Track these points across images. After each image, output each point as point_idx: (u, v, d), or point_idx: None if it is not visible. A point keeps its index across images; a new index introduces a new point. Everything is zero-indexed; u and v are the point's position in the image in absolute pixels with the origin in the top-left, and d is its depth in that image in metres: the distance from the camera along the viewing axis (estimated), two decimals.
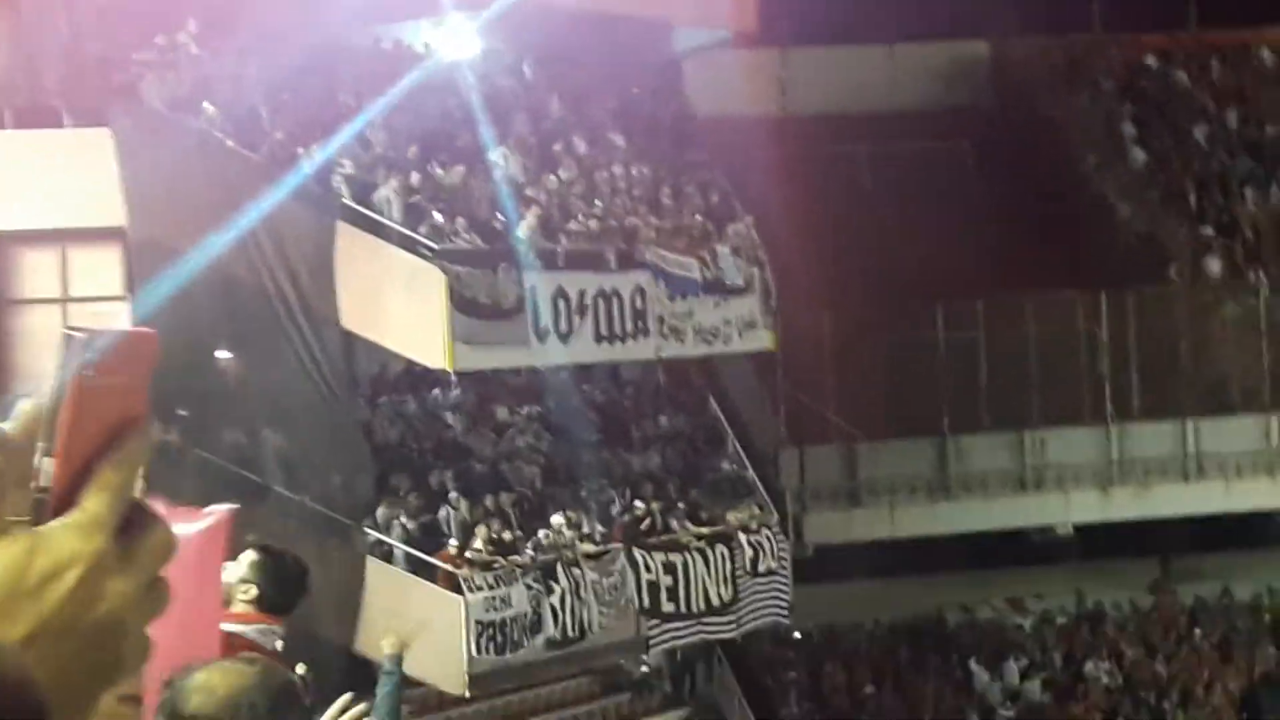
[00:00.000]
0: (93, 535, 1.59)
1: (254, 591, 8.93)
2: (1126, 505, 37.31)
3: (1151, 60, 45.31)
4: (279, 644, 9.00)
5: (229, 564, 9.25)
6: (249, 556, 9.17)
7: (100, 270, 23.81)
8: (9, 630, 1.58)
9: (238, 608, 8.83)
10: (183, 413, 24.27)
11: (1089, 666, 36.50)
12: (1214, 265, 40.53)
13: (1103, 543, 37.63)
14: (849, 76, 42.58)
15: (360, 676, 20.07)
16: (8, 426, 1.62)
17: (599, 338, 28.24)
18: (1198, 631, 37.38)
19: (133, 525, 1.63)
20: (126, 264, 23.70)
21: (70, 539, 1.58)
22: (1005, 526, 37.37)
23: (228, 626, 8.66)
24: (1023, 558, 37.93)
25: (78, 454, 1.61)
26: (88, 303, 23.73)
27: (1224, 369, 38.83)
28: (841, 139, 40.29)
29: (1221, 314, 39.58)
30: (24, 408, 1.59)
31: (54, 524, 1.60)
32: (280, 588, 9.14)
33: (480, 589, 25.65)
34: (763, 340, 31.23)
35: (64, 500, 1.61)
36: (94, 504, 1.60)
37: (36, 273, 23.80)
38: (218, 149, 25.19)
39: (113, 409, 1.63)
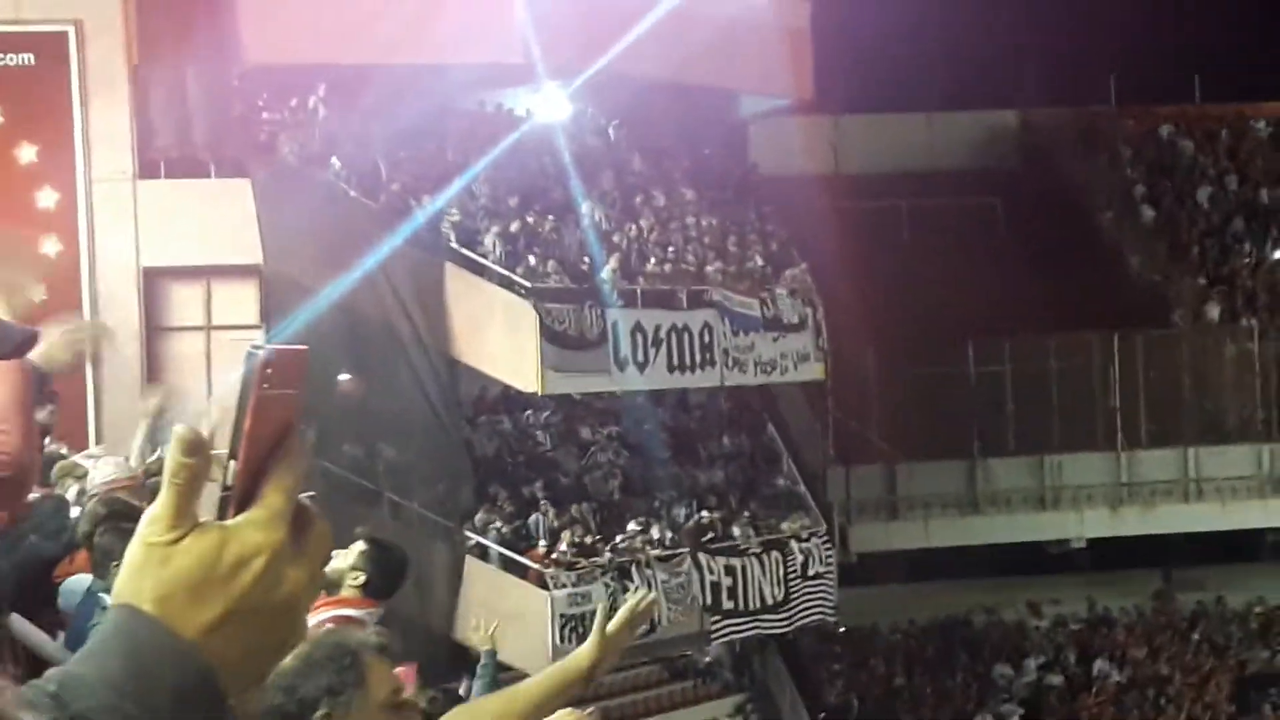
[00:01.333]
0: (274, 528, 1.64)
1: (361, 578, 8.89)
2: (1133, 522, 36.95)
3: (1162, 129, 44.98)
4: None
5: (339, 552, 9.41)
6: (359, 547, 9.11)
7: (240, 302, 23.82)
8: (205, 612, 1.62)
9: (346, 592, 8.82)
10: (306, 428, 24.39)
11: (1098, 665, 36.22)
12: (1213, 311, 40.26)
13: (1112, 555, 37.17)
14: (893, 140, 42.45)
15: (460, 660, 20.19)
16: (204, 432, 1.67)
17: (671, 367, 28.17)
18: (1195, 635, 36.98)
19: (299, 520, 1.69)
20: (262, 297, 23.69)
21: (257, 532, 1.63)
22: (1026, 539, 36.99)
23: (345, 611, 8.46)
24: (1041, 567, 37.56)
25: (255, 457, 1.67)
26: (227, 330, 23.73)
27: (1222, 403, 38.56)
28: (885, 196, 40.15)
29: (1220, 355, 39.30)
30: (214, 415, 1.77)
31: (241, 518, 1.65)
32: (384, 576, 9.03)
33: (564, 586, 25.66)
34: (814, 371, 31.15)
35: (244, 499, 1.67)
36: (274, 500, 1.65)
37: (184, 304, 23.78)
38: (342, 198, 25.26)
39: (279, 417, 1.68)
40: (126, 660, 1.60)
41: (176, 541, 1.63)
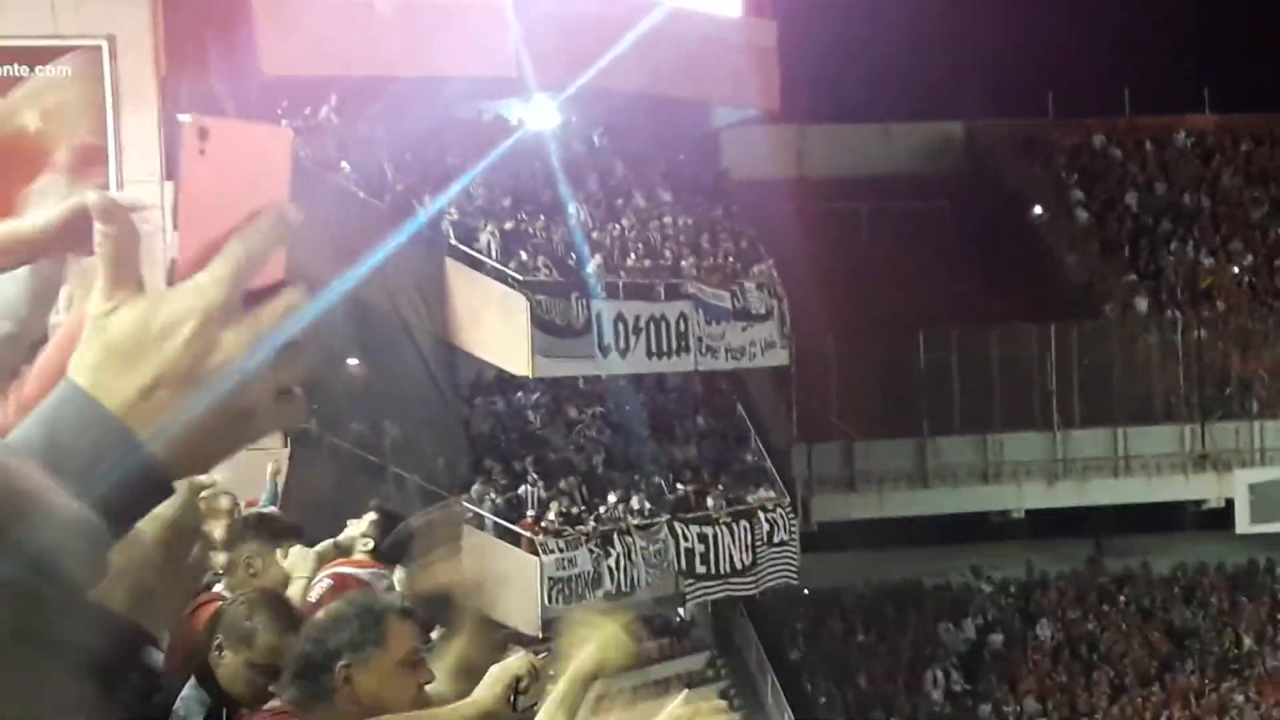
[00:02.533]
0: (208, 292, 1.54)
1: (371, 544, 9.04)
2: (1068, 495, 37.17)
3: (1094, 139, 45.14)
4: (386, 585, 8.89)
5: (352, 520, 9.40)
6: (370, 517, 9.28)
7: None
8: (134, 379, 1.55)
9: (358, 556, 8.91)
10: (316, 407, 24.34)
11: (1037, 624, 36.52)
12: (1141, 304, 40.51)
13: (1048, 524, 37.45)
14: (851, 148, 42.48)
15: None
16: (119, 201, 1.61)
17: (649, 353, 28.23)
18: (1123, 597, 37.42)
19: (264, 290, 1.59)
20: (299, 285, 23.65)
21: (189, 297, 1.53)
22: (970, 510, 37.20)
23: (349, 570, 8.66)
24: (983, 535, 37.75)
25: (209, 231, 1.56)
26: None
27: (1148, 387, 38.75)
28: (844, 199, 40.17)
29: (1146, 343, 39.50)
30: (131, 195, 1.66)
31: (177, 285, 1.56)
32: (392, 543, 9.01)
33: (552, 552, 25.66)
34: (780, 358, 31.17)
35: (192, 272, 1.57)
36: (215, 266, 1.55)
37: None
38: (351, 199, 25.22)
39: (245, 197, 1.57)
40: (46, 427, 1.55)
41: (112, 312, 1.55)
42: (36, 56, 22.17)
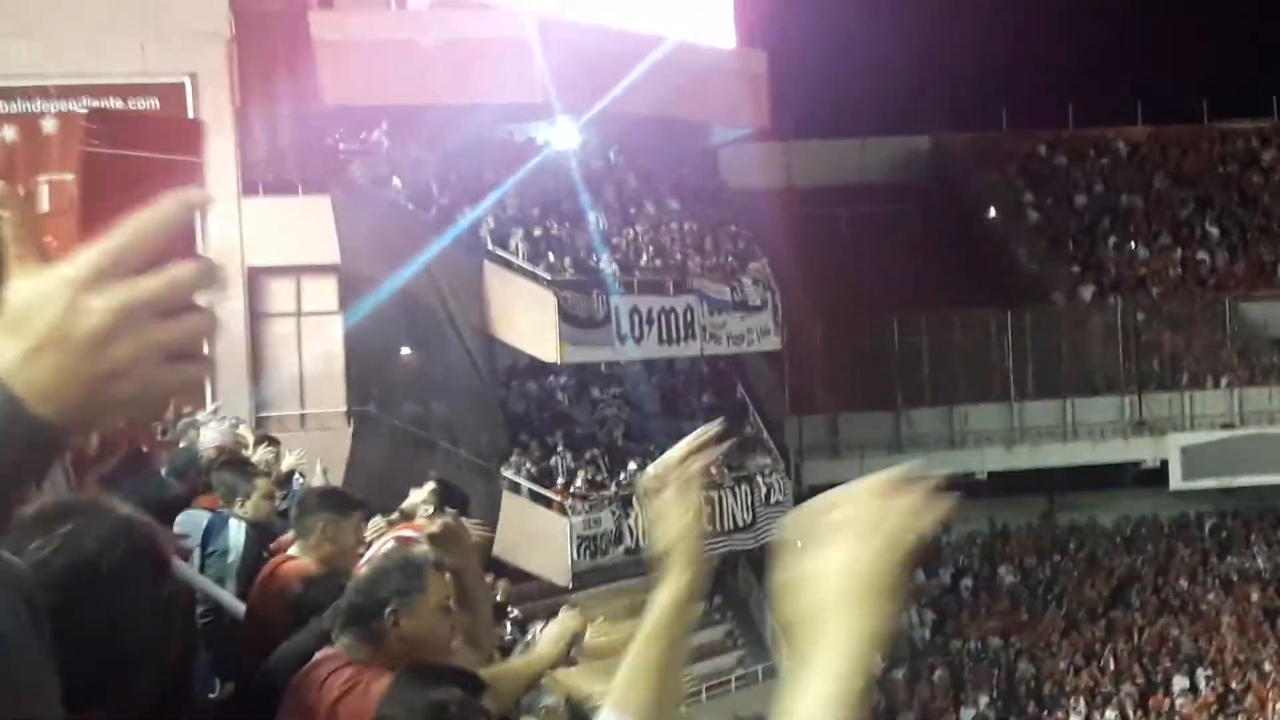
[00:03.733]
0: (77, 264, 1.50)
1: (431, 510, 8.51)
2: (1024, 457, 37.12)
3: (1041, 148, 45.16)
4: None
5: (414, 489, 9.55)
6: (429, 486, 8.96)
7: (322, 294, 23.83)
8: (19, 342, 1.51)
9: (419, 521, 8.29)
10: (374, 391, 24.49)
11: (999, 570, 36.59)
12: (1085, 292, 40.58)
13: (1007, 484, 37.13)
14: (833, 160, 42.45)
15: (492, 568, 20.31)
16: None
17: (661, 341, 28.36)
18: (1073, 546, 37.59)
19: (148, 260, 1.52)
20: (340, 289, 23.75)
21: (62, 270, 1.50)
22: (957, 472, 36.89)
23: (410, 534, 8.01)
24: (963, 490, 37.47)
25: (109, 219, 1.53)
26: (313, 316, 23.81)
27: (1091, 364, 38.75)
28: (827, 204, 40.08)
29: (1090, 325, 39.55)
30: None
31: (57, 265, 1.53)
32: (449, 508, 8.67)
33: (580, 514, 25.85)
34: (773, 343, 31.26)
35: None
36: (100, 243, 1.52)
37: (278, 295, 23.80)
38: (402, 210, 25.34)
39: (149, 184, 1.55)
40: None
41: (12, 286, 1.52)
42: (129, 91, 22.44)
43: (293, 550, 6.43)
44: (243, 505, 7.40)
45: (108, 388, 1.52)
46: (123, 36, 22.57)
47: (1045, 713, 31.87)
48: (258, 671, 5.32)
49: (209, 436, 10.11)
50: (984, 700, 31.95)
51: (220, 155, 23.11)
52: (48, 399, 1.50)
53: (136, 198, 1.51)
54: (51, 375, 1.50)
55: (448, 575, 4.77)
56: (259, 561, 6.74)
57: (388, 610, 4.39)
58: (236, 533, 7.01)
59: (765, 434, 32.01)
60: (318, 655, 4.52)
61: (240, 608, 6.55)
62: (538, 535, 25.26)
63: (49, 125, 22.17)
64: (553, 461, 26.98)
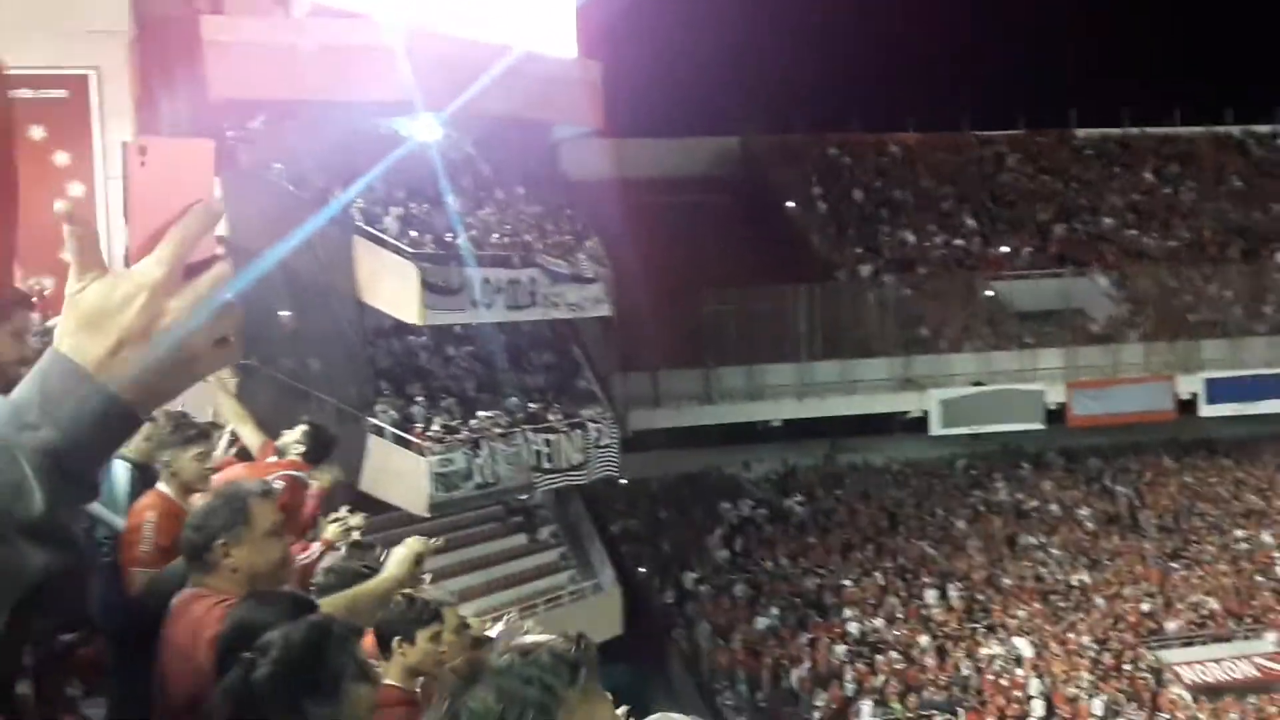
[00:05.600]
0: (154, 270, 1.54)
1: (302, 449, 8.87)
2: (812, 408, 37.62)
3: (831, 150, 45.92)
4: (312, 483, 8.99)
5: (286, 431, 9.24)
6: (301, 428, 9.10)
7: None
8: (101, 342, 1.55)
9: (290, 458, 8.76)
10: (257, 347, 23.90)
11: (789, 502, 37.11)
12: (865, 271, 41.35)
13: (798, 430, 38.05)
14: (659, 155, 42.80)
15: (358, 502, 19.98)
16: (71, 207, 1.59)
17: (508, 307, 28.08)
18: (849, 482, 38.34)
19: (199, 265, 1.59)
20: (227, 259, 23.02)
21: (138, 275, 1.55)
22: (741, 420, 37.58)
23: (295, 473, 8.51)
24: (752, 438, 38.08)
25: (152, 224, 1.57)
26: None
27: (868, 330, 39.44)
28: (652, 193, 40.07)
29: (867, 298, 40.29)
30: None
31: (132, 267, 1.57)
32: (318, 448, 9.07)
33: (435, 454, 25.52)
34: (605, 310, 31.18)
35: (141, 257, 1.57)
36: (157, 252, 1.55)
37: None
38: (283, 191, 24.80)
39: (179, 196, 1.57)
40: (38, 384, 1.55)
41: (82, 291, 1.57)
42: (40, 82, 21.46)
43: (159, 485, 6.23)
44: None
45: (179, 372, 1.60)
46: (34, 32, 21.58)
47: (826, 619, 32.34)
48: (133, 606, 5.22)
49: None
50: (775, 610, 32.40)
51: (121, 139, 22.34)
52: (132, 388, 1.57)
53: (170, 207, 1.58)
54: (136, 367, 1.56)
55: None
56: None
57: (217, 543, 4.30)
58: (120, 471, 6.62)
59: (597, 387, 32.08)
60: (183, 591, 4.38)
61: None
62: (399, 473, 25.00)
63: None
64: (413, 409, 26.68)
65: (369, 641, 4.97)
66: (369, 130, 27.59)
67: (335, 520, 7.77)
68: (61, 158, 22.35)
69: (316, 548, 7.47)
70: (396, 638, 5.14)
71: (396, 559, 5.00)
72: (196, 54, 23.59)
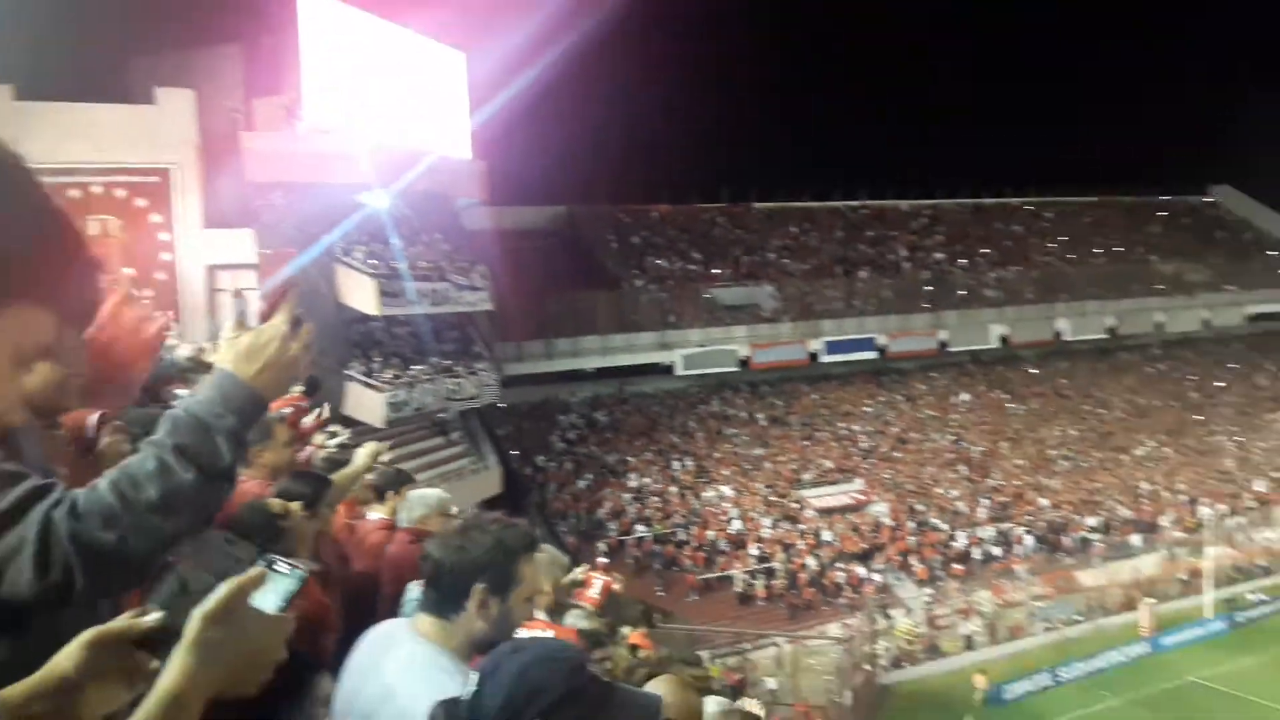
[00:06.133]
0: (280, 325, 1.47)
1: (301, 389, 5.50)
2: (610, 361, 37.28)
3: (620, 215, 45.25)
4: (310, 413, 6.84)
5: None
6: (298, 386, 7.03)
7: (249, 279, 22.28)
8: (255, 365, 1.45)
9: (293, 393, 5.41)
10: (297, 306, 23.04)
11: (598, 414, 36.92)
12: (639, 283, 40.76)
13: (604, 373, 37.60)
14: (520, 217, 41.27)
15: (344, 421, 19.92)
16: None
17: (432, 304, 27.78)
18: (631, 405, 37.78)
19: (295, 323, 1.51)
20: (259, 276, 21.85)
21: (272, 328, 1.49)
22: (567, 368, 37.02)
23: (291, 403, 5.84)
24: (577, 379, 37.50)
25: (268, 313, 1.50)
26: (248, 290, 22.09)
27: (641, 317, 38.75)
28: (516, 239, 39.26)
29: (643, 300, 39.75)
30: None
31: (267, 324, 1.50)
32: (311, 389, 6.83)
33: (388, 391, 25.27)
34: (489, 306, 30.90)
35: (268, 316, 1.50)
36: (278, 318, 1.49)
37: (222, 279, 21.84)
38: (293, 235, 24.08)
39: (275, 302, 1.53)
40: (217, 394, 1.43)
41: (238, 338, 1.48)
42: (143, 172, 21.07)
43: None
44: (197, 388, 5.44)
45: (292, 379, 1.50)
46: (140, 141, 21.22)
47: (619, 479, 32.22)
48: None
49: (181, 352, 9.01)
50: (589, 475, 32.25)
51: (194, 208, 22.01)
52: (269, 390, 1.46)
53: (273, 305, 1.51)
54: (272, 382, 1.46)
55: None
56: None
57: (253, 449, 3.63)
58: None
59: (484, 350, 31.71)
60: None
61: None
62: (367, 404, 24.66)
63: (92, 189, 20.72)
64: (372, 365, 26.34)
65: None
66: (345, 200, 27.30)
67: (330, 433, 7.11)
68: (156, 217, 22.00)
69: (310, 450, 6.10)
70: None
71: (360, 454, 4.39)
72: (238, 154, 23.28)
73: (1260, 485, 34.08)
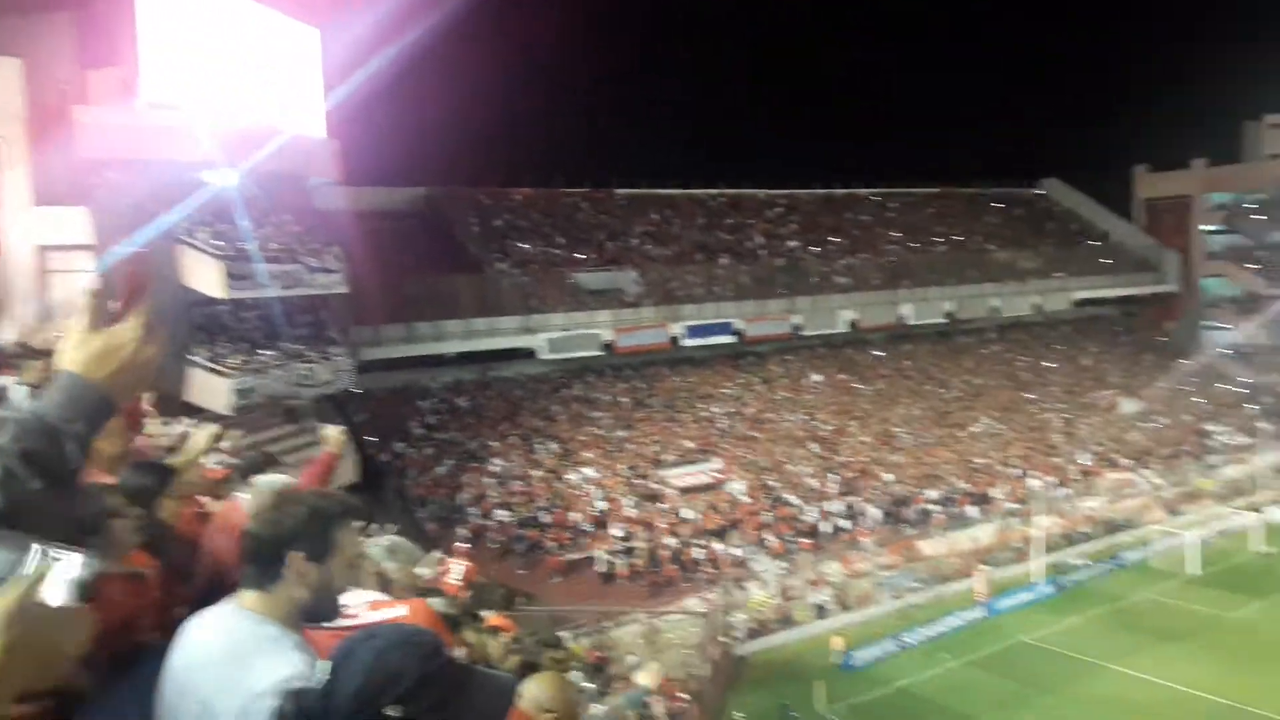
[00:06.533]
0: (135, 328, 1.44)
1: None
2: (471, 345, 36.93)
3: (481, 197, 44.78)
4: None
5: None
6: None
7: (82, 260, 21.80)
8: (107, 368, 1.39)
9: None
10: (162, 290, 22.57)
11: (459, 400, 36.55)
12: (502, 267, 40.48)
13: (466, 359, 37.38)
14: (375, 198, 41.05)
15: (189, 410, 19.56)
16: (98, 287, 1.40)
17: (283, 287, 27.34)
18: (494, 390, 37.50)
19: (152, 329, 1.48)
20: (95, 257, 21.38)
21: (127, 330, 1.44)
22: (429, 353, 36.62)
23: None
24: (437, 364, 37.22)
25: (124, 304, 1.48)
26: (79, 272, 21.58)
27: (504, 300, 38.60)
28: (372, 220, 38.75)
29: (504, 284, 39.30)
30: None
31: (122, 324, 1.45)
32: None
33: (233, 378, 24.91)
34: (343, 289, 30.45)
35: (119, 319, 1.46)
36: (135, 317, 1.45)
37: (58, 260, 21.50)
38: (130, 215, 23.37)
39: (132, 288, 1.48)
40: (65, 396, 1.39)
41: (91, 337, 1.42)
42: None
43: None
44: (25, 374, 5.64)
45: (145, 383, 1.46)
46: None
47: (480, 464, 31.98)
48: None
49: (7, 336, 7.99)
50: (450, 461, 32.03)
51: (22, 185, 20.93)
52: (120, 395, 1.43)
53: (133, 292, 1.47)
54: (124, 386, 1.42)
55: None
56: None
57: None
58: (18, 391, 5.38)
59: (338, 335, 31.34)
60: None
61: None
62: (212, 390, 24.10)
63: None
64: (219, 350, 25.82)
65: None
66: (191, 179, 26.37)
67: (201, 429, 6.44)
68: None
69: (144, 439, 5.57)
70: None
71: (199, 437, 4.16)
72: (69, 128, 22.27)
73: (1085, 459, 35.89)
